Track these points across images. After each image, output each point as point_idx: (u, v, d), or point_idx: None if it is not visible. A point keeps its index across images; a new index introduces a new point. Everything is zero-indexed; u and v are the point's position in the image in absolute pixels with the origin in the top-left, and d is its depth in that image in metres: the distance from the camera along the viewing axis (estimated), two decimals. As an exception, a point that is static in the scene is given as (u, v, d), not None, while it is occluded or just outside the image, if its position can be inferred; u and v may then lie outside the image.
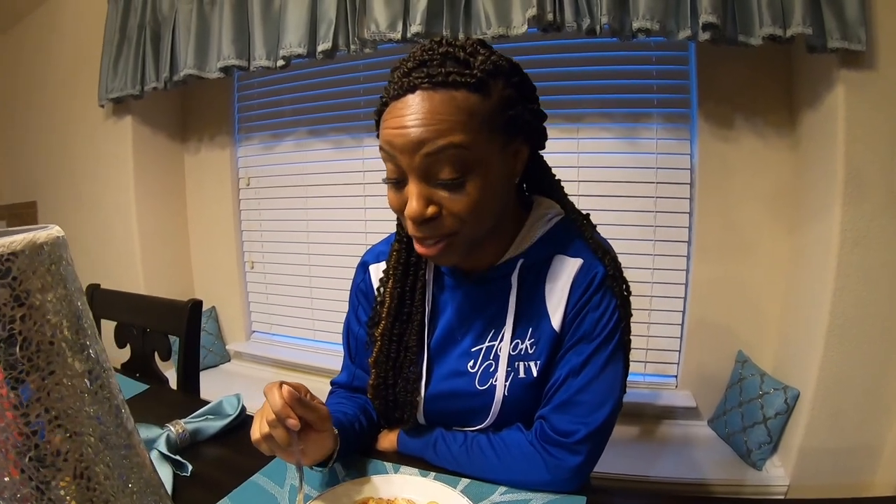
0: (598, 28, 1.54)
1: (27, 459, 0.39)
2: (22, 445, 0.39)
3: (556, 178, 0.93)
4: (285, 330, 2.56)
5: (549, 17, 1.53)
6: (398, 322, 0.93)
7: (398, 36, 1.66)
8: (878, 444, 1.54)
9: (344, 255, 2.33)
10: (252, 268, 2.57)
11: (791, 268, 1.77)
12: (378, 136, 0.80)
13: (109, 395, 0.46)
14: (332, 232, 2.36)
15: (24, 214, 2.82)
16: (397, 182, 0.77)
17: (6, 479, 0.39)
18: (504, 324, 0.88)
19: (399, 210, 0.79)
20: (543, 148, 0.90)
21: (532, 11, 1.52)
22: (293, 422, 0.72)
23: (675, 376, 1.97)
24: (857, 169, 1.48)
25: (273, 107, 2.43)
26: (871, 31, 1.43)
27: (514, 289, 0.87)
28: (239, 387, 2.20)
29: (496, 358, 0.88)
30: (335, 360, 2.31)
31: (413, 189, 0.74)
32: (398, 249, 0.92)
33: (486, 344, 0.89)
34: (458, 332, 0.92)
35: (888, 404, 1.53)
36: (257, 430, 0.75)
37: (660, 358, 1.96)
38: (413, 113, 0.71)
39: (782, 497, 1.60)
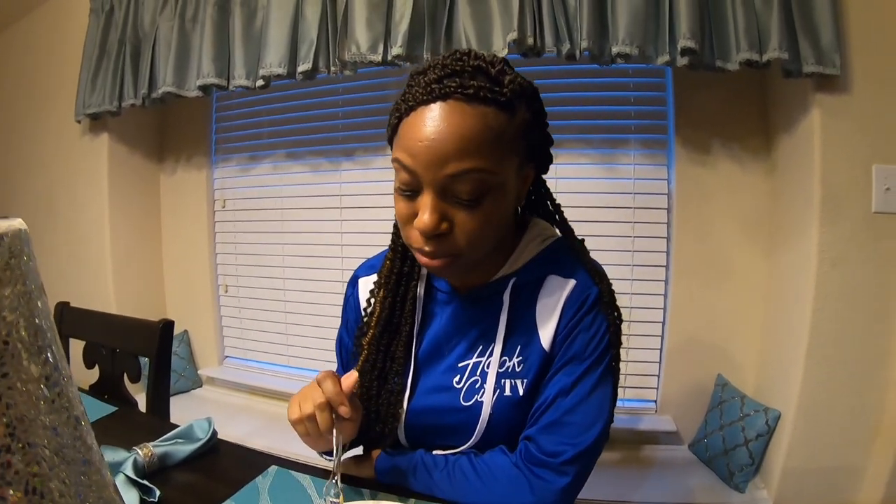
0: (577, 53, 1.55)
1: None
2: None
3: (557, 202, 0.93)
4: (259, 355, 2.49)
5: (530, 41, 1.54)
6: (386, 332, 0.91)
7: (378, 58, 1.66)
8: (861, 464, 1.54)
9: (319, 279, 2.29)
10: (226, 291, 2.52)
11: (769, 290, 1.78)
12: (391, 141, 0.78)
13: (68, 404, 0.42)
14: (307, 256, 2.32)
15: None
16: (411, 192, 0.75)
17: None
18: (493, 341, 0.86)
19: (407, 221, 0.76)
20: (547, 171, 0.90)
21: (513, 35, 1.53)
22: (345, 409, 0.74)
23: (655, 401, 1.95)
24: (834, 191, 1.51)
25: (251, 129, 2.41)
26: (846, 55, 1.47)
27: (506, 306, 0.86)
28: (211, 413, 2.13)
29: (483, 374, 0.86)
30: (311, 385, 2.26)
31: (428, 202, 0.72)
32: (392, 259, 0.91)
33: (474, 360, 0.87)
34: (445, 347, 0.90)
35: (870, 423, 1.53)
36: (297, 411, 0.77)
37: (639, 383, 1.95)
38: (444, 125, 0.69)
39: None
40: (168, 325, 1.37)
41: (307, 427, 0.77)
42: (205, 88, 1.95)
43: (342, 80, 2.14)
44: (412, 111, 0.72)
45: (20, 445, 0.37)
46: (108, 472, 0.46)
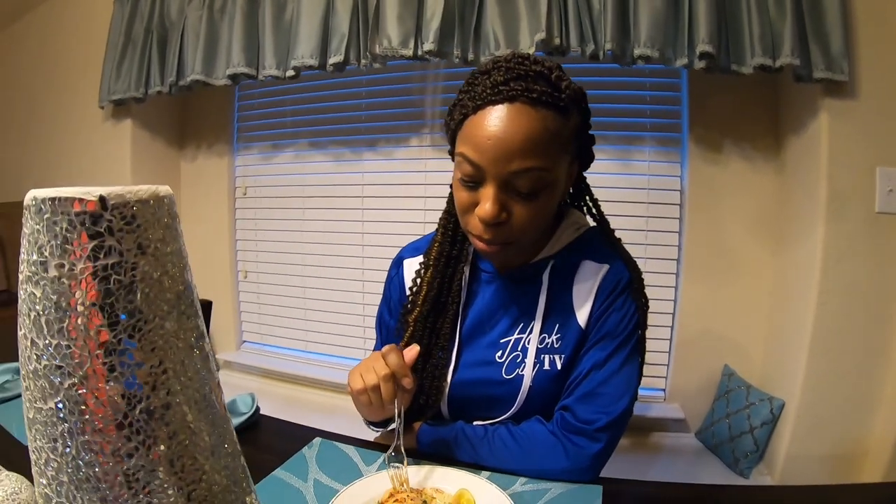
0: (601, 54, 1.61)
1: (137, 412, 0.39)
2: (132, 398, 0.39)
3: (595, 197, 1.00)
4: (277, 340, 2.54)
5: (556, 41, 1.60)
6: (433, 311, 0.98)
7: (410, 53, 1.72)
8: (860, 452, 1.61)
9: (340, 266, 2.34)
10: (245, 277, 2.56)
11: (776, 284, 1.85)
12: (450, 132, 0.86)
13: (209, 356, 0.48)
14: (328, 244, 2.37)
15: (12, 214, 2.72)
16: (473, 184, 0.81)
17: (113, 433, 0.39)
18: (533, 318, 0.93)
19: (468, 209, 0.84)
20: (588, 168, 0.97)
21: (541, 35, 1.59)
22: (408, 381, 0.80)
23: (664, 389, 2.02)
24: (839, 191, 1.58)
25: (273, 118, 2.44)
26: (854, 62, 1.54)
27: (545, 286, 0.93)
28: (229, 397, 2.18)
29: (524, 350, 0.93)
30: (329, 371, 2.34)
31: (490, 193, 0.79)
32: (441, 242, 0.98)
33: (515, 336, 0.94)
34: (487, 324, 0.97)
35: (870, 413, 1.60)
36: (360, 381, 0.82)
37: (649, 372, 1.98)
38: (511, 125, 0.76)
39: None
40: (206, 305, 1.42)
41: (371, 397, 0.82)
42: (234, 77, 2.00)
43: (366, 72, 2.18)
44: (480, 109, 0.78)
45: (179, 388, 0.43)
46: (231, 419, 0.52)
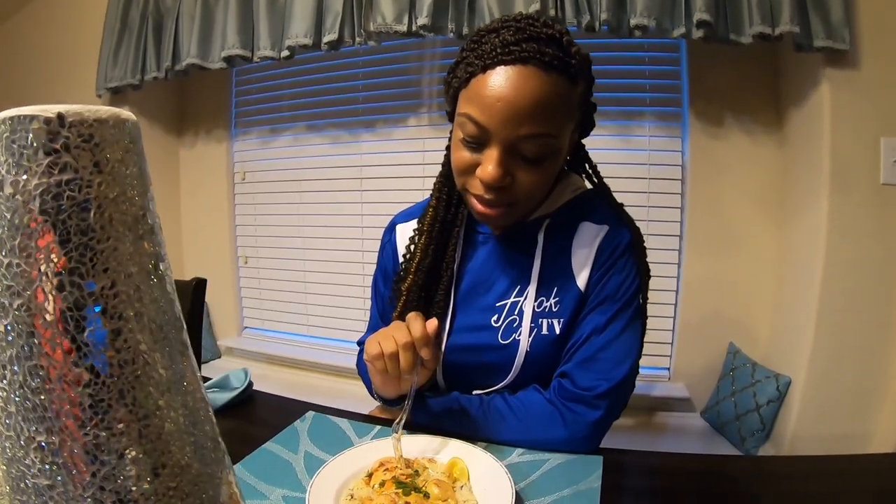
0: (596, 25, 1.59)
1: (85, 335, 0.37)
2: (82, 319, 0.37)
3: (594, 163, 0.98)
4: (278, 325, 2.54)
5: (552, 12, 1.58)
6: (427, 279, 0.95)
7: (404, 29, 1.70)
8: (867, 430, 1.59)
9: (339, 249, 2.34)
10: (245, 262, 2.56)
11: (780, 260, 1.83)
12: (452, 90, 0.83)
13: (170, 287, 0.45)
14: (327, 227, 2.36)
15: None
16: (476, 144, 0.79)
17: (60, 358, 0.37)
18: (529, 281, 0.90)
19: (468, 170, 0.82)
20: (588, 135, 0.94)
21: (535, 7, 1.57)
22: (427, 351, 0.76)
23: (668, 369, 2.00)
24: (843, 163, 1.55)
25: (270, 101, 2.44)
26: (855, 31, 1.51)
27: (540, 245, 0.90)
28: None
29: (520, 313, 0.90)
30: (330, 354, 2.33)
31: (495, 155, 0.77)
32: (435, 207, 0.95)
33: (511, 300, 0.91)
34: (482, 286, 0.94)
35: (877, 389, 1.58)
36: (378, 348, 0.78)
37: (653, 351, 1.98)
38: (523, 88, 0.73)
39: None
40: (201, 283, 1.41)
41: (387, 364, 0.78)
42: (229, 60, 1.99)
43: (363, 53, 2.17)
44: (489, 69, 0.75)
45: (132, 314, 0.41)
46: (194, 358, 0.50)
